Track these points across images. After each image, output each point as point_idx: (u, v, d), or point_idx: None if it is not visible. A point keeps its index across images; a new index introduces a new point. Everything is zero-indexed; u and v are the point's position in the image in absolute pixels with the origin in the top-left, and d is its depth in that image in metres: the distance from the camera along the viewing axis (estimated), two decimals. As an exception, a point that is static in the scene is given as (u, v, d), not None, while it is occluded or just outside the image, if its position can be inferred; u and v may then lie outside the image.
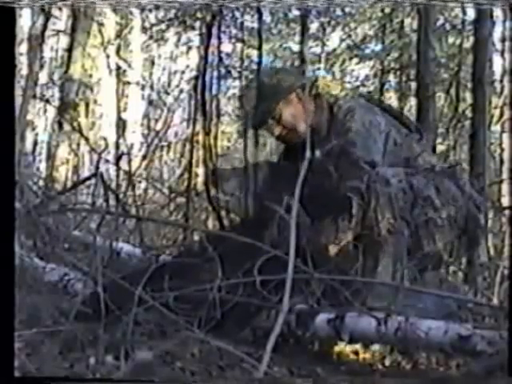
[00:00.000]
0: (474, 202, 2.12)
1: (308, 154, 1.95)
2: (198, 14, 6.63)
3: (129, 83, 7.35)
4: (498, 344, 1.34)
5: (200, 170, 6.78)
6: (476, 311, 1.89)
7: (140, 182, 5.80)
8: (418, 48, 3.67)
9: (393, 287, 1.88)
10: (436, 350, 1.54)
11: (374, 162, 2.05)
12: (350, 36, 7.54)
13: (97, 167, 3.52)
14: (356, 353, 1.67)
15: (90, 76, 6.48)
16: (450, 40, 6.72)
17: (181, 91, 8.60)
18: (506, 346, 1.32)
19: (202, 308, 1.57)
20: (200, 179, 6.86)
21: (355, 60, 7.48)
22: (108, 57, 6.72)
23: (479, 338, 1.38)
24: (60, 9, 6.25)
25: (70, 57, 6.26)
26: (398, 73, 7.28)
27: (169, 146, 8.71)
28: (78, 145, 6.14)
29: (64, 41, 6.81)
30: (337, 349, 1.67)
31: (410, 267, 2.02)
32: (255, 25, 6.76)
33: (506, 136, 5.86)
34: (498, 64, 6.00)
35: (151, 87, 8.58)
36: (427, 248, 2.05)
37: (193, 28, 7.26)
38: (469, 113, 4.96)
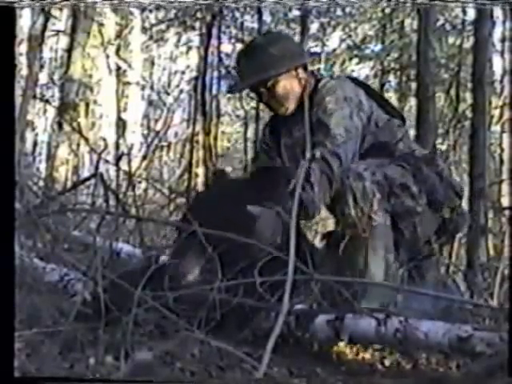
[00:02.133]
0: (454, 188, 2.11)
1: (308, 154, 1.96)
2: (198, 14, 6.64)
3: (129, 83, 7.36)
4: (498, 345, 1.34)
5: (200, 170, 6.79)
6: (476, 312, 1.89)
7: (140, 182, 5.80)
8: (418, 48, 3.68)
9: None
10: (436, 351, 1.54)
11: (349, 134, 2.05)
12: (350, 36, 7.54)
13: (97, 167, 3.52)
14: (356, 353, 1.66)
15: (90, 76, 6.48)
16: (450, 40, 6.73)
17: (181, 91, 8.61)
18: (505, 346, 1.32)
19: (201, 308, 1.57)
20: (200, 179, 6.87)
21: (355, 60, 7.49)
22: (108, 57, 6.72)
23: (479, 340, 1.38)
24: (60, 9, 6.25)
25: (69, 57, 6.27)
26: (398, 73, 7.29)
27: (169, 147, 8.72)
28: (78, 145, 6.14)
29: (64, 41, 6.81)
30: (337, 349, 1.67)
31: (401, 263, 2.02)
32: (255, 25, 6.78)
33: (506, 136, 5.86)
34: (498, 64, 6.02)
35: (151, 87, 8.59)
36: (412, 240, 2.05)
37: (193, 28, 7.27)
38: (469, 113, 4.97)
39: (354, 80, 2.25)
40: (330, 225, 1.98)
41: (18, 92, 4.78)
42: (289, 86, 2.15)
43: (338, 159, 1.99)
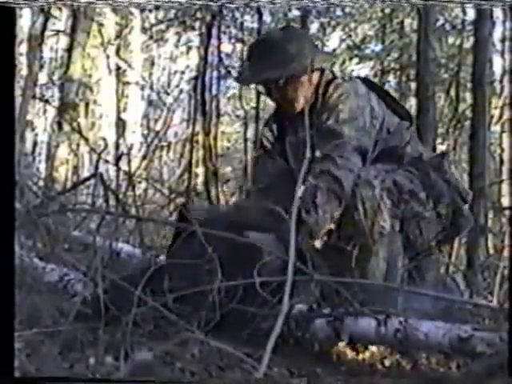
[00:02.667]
0: (460, 193, 2.11)
1: (308, 154, 1.94)
2: (198, 14, 6.63)
3: (129, 83, 7.35)
4: (498, 345, 1.34)
5: (200, 170, 6.79)
6: (475, 313, 1.89)
7: (140, 182, 5.80)
8: (418, 48, 3.67)
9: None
10: (436, 351, 1.54)
11: (361, 146, 2.02)
12: (350, 36, 7.53)
13: (96, 167, 3.53)
14: (356, 353, 1.66)
15: (90, 76, 6.49)
16: (450, 40, 6.72)
17: (181, 91, 8.61)
18: (505, 347, 1.32)
19: (201, 309, 1.57)
20: (200, 179, 6.87)
21: (355, 60, 7.48)
22: (108, 57, 6.72)
23: (479, 340, 1.38)
24: (60, 9, 6.25)
25: (69, 57, 6.27)
26: (398, 73, 7.28)
27: (169, 147, 8.72)
28: (78, 145, 6.15)
29: (64, 41, 6.81)
30: (337, 349, 1.66)
31: (405, 266, 2.02)
32: (255, 25, 6.77)
33: (505, 136, 5.86)
34: (498, 64, 6.01)
35: (151, 87, 8.58)
36: (417, 243, 2.04)
37: (193, 28, 7.26)
38: (469, 113, 4.97)
39: (366, 81, 2.20)
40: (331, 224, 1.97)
41: (18, 92, 4.79)
42: (300, 85, 2.10)
43: (351, 173, 1.95)
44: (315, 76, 2.14)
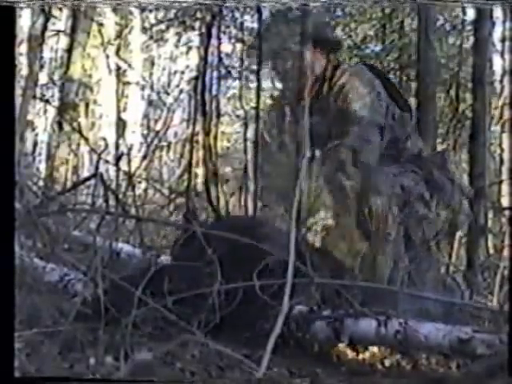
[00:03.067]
0: (462, 191, 2.12)
1: (308, 153, 1.95)
2: (198, 14, 6.62)
3: (129, 83, 7.35)
4: (498, 347, 1.34)
5: (200, 170, 6.79)
6: (476, 314, 1.89)
7: (140, 182, 5.80)
8: (418, 48, 3.67)
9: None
10: (436, 352, 1.54)
11: (374, 121, 2.04)
12: (350, 36, 7.53)
13: (96, 167, 3.52)
14: (356, 353, 1.66)
15: (90, 76, 6.49)
16: (450, 40, 6.72)
17: (181, 91, 8.60)
18: (505, 348, 1.32)
19: (201, 311, 1.57)
20: (200, 179, 6.87)
21: (355, 60, 7.47)
22: (108, 57, 6.72)
23: (479, 342, 1.37)
24: (60, 9, 6.25)
25: (69, 57, 6.27)
26: (398, 73, 7.28)
27: (168, 147, 8.71)
28: (78, 145, 6.15)
29: (64, 41, 6.81)
30: (337, 350, 1.66)
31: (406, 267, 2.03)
32: (255, 25, 6.76)
33: (506, 136, 5.86)
34: (497, 64, 6.01)
35: (151, 87, 8.58)
36: (418, 243, 2.05)
37: (193, 28, 7.26)
38: (469, 113, 4.97)
39: (371, 68, 2.23)
40: (330, 224, 1.97)
41: (18, 92, 4.79)
42: (311, 65, 2.13)
43: (368, 143, 1.98)
44: (323, 60, 2.18)
